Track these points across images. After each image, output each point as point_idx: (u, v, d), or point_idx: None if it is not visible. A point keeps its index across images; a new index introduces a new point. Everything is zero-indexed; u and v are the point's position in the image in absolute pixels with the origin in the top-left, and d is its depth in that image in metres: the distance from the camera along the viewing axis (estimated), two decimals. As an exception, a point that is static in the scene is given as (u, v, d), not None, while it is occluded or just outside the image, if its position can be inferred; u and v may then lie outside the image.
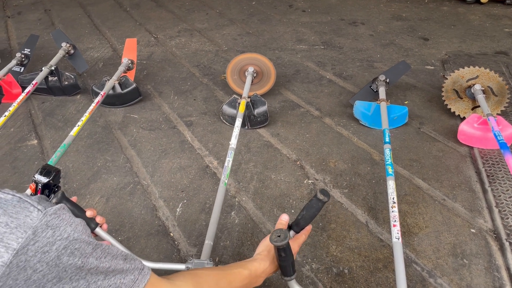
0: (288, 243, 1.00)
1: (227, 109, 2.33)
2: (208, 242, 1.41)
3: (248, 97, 2.26)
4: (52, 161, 1.77)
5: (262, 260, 1.04)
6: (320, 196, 1.11)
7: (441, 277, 1.49)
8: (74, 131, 2.03)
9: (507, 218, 1.69)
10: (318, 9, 4.13)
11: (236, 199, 1.86)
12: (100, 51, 3.37)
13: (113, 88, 2.51)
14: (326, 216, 1.76)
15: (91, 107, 2.19)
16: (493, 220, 1.70)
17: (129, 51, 2.82)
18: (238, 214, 1.79)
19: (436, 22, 3.71)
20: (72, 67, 2.99)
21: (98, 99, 2.29)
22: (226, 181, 1.66)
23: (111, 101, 2.57)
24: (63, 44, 2.79)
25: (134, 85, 2.55)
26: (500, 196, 1.80)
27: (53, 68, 2.61)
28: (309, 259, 1.57)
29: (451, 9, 4.00)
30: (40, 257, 0.58)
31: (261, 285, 1.12)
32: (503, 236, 1.62)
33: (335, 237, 1.66)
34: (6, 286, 0.56)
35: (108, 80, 2.48)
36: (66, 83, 2.68)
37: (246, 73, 2.51)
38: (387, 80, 2.42)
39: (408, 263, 1.54)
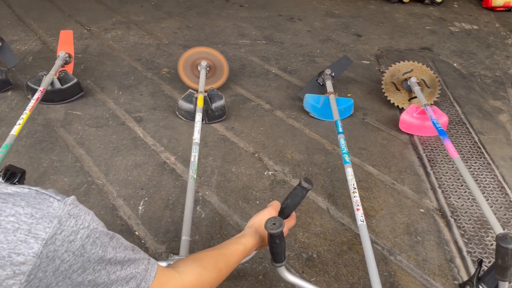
0: (282, 232, 1.04)
1: (183, 104, 2.30)
2: (185, 238, 1.41)
3: (205, 91, 2.25)
4: (-3, 163, 1.63)
5: (252, 236, 1.08)
6: (304, 184, 1.16)
7: (400, 254, 1.62)
8: (16, 130, 1.88)
9: (450, 198, 1.89)
10: (255, 4, 4.20)
11: (200, 194, 1.86)
12: (27, 44, 3.11)
13: (52, 83, 2.35)
14: (290, 205, 1.82)
15: (31, 104, 2.03)
16: (437, 199, 1.89)
17: (65, 44, 2.65)
18: (203, 209, 1.79)
19: (366, 20, 3.97)
20: (-3, 61, 2.73)
21: (38, 95, 2.13)
22: (195, 176, 1.66)
23: (50, 97, 2.40)
24: (-12, 36, 2.55)
25: (75, 80, 2.41)
26: (441, 178, 2.00)
27: (-22, 62, 2.37)
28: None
29: (377, 8, 4.29)
30: (67, 246, 0.57)
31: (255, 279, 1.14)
32: (448, 214, 1.81)
33: (301, 225, 1.73)
34: (36, 279, 0.54)
35: (45, 75, 2.31)
36: (-3, 77, 2.46)
37: (199, 67, 2.49)
38: (333, 74, 2.55)
39: (370, 243, 1.66)
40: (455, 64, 3.22)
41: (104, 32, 3.40)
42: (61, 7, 3.87)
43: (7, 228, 0.52)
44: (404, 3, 4.42)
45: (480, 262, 1.16)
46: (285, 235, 1.18)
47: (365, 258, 1.38)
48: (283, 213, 1.21)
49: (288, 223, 1.21)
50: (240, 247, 1.04)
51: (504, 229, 1.73)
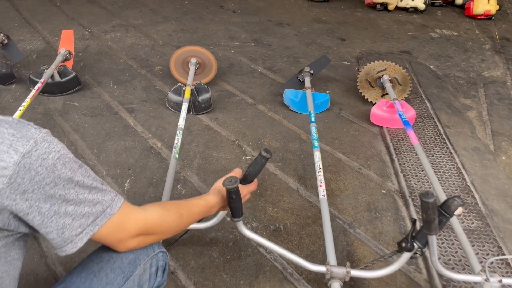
0: (237, 187, 1.18)
1: (172, 97, 2.46)
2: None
3: (193, 85, 2.41)
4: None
5: (215, 195, 1.21)
6: (264, 154, 1.30)
7: (359, 228, 1.76)
8: (17, 115, 2.04)
9: (410, 181, 2.03)
10: (247, 11, 4.38)
11: (181, 174, 2.01)
12: (32, 43, 3.30)
13: (52, 76, 2.52)
14: (263, 185, 1.97)
15: (31, 93, 2.20)
16: (399, 182, 2.03)
17: (66, 42, 2.82)
18: (184, 187, 1.93)
19: (351, 26, 4.14)
20: (4, 58, 2.91)
21: (38, 85, 2.30)
22: (177, 156, 1.80)
23: (50, 89, 2.57)
24: (-4, 34, 2.73)
25: (73, 74, 2.58)
26: (404, 164, 2.14)
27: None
28: (250, 219, 1.76)
29: (363, 15, 4.46)
30: (40, 162, 0.71)
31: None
32: (407, 194, 1.94)
33: (271, 201, 1.88)
34: (15, 183, 0.68)
35: (46, 69, 2.49)
36: (4, 70, 2.63)
37: (189, 64, 2.65)
38: (311, 72, 2.70)
39: (332, 218, 1.79)
40: (431, 66, 3.37)
41: (104, 34, 3.58)
42: (66, 11, 4.06)
43: None
44: (389, 11, 4.59)
45: (414, 222, 1.29)
46: (246, 198, 1.32)
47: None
48: (246, 180, 1.35)
49: (249, 187, 1.34)
50: (202, 202, 1.18)
51: (454, 206, 1.87)
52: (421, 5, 4.50)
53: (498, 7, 4.51)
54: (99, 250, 1.00)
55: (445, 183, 2.01)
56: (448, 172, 2.10)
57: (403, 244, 1.30)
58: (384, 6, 4.56)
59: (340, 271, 1.34)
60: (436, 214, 1.15)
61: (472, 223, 1.80)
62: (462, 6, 4.78)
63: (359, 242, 1.69)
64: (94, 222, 0.80)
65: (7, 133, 0.69)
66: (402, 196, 1.94)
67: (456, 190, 1.98)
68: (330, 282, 1.34)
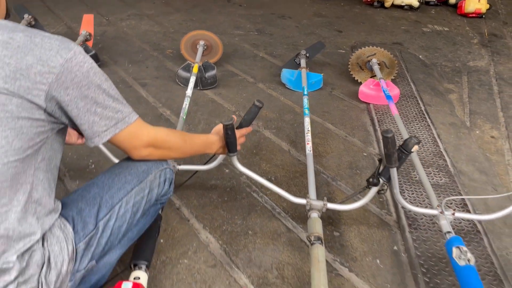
0: (233, 124, 1.41)
1: (182, 73, 2.70)
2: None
3: (200, 63, 2.65)
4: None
5: (214, 134, 1.45)
6: (257, 103, 1.54)
7: (340, 181, 1.99)
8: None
9: (389, 146, 2.25)
10: (252, 5, 4.63)
11: (187, 136, 2.25)
12: (56, 28, 3.57)
13: (74, 53, 2.77)
14: (259, 146, 2.20)
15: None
16: (379, 147, 2.25)
17: (87, 25, 3.08)
18: (189, 145, 2.17)
19: (349, 20, 4.37)
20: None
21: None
22: (185, 117, 2.04)
23: (72, 65, 2.82)
24: (25, 16, 2.99)
25: (93, 51, 2.83)
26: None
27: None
28: (246, 171, 1.99)
29: (361, 11, 4.69)
30: (78, 68, 0.92)
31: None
32: (385, 156, 2.16)
33: (265, 159, 2.11)
34: (60, 80, 0.89)
35: (69, 46, 2.74)
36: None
37: (198, 46, 2.90)
38: (307, 55, 2.94)
39: (318, 173, 2.02)
40: (420, 56, 3.59)
41: (120, 21, 3.85)
42: (85, 1, 4.34)
43: (45, 47, 0.89)
44: (386, 8, 4.81)
45: (380, 160, 1.51)
46: (241, 141, 1.56)
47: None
48: (241, 126, 1.58)
49: (245, 131, 1.57)
50: (203, 136, 1.42)
51: (423, 166, 2.09)
52: (415, 3, 4.72)
53: (488, 6, 4.71)
54: (120, 162, 1.24)
55: (420, 149, 2.23)
56: (424, 140, 2.32)
57: (371, 180, 1.52)
58: (381, 3, 4.79)
59: (318, 203, 1.57)
60: (395, 148, 1.37)
61: (441, 179, 2.02)
62: (455, 5, 4.99)
63: (339, 192, 1.92)
64: (116, 125, 1.02)
65: (55, 43, 0.91)
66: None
67: (430, 154, 2.20)
68: (310, 213, 1.56)
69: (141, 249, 1.34)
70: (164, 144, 1.19)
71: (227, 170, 2.00)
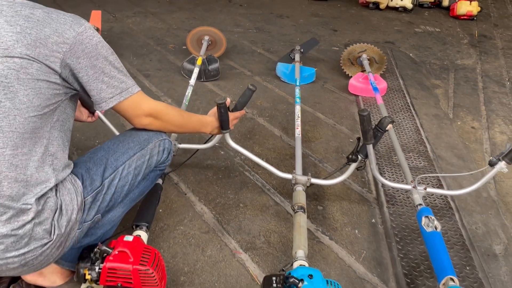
0: (225, 103, 1.55)
1: (187, 65, 2.86)
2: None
3: (204, 56, 2.80)
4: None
5: (209, 115, 1.58)
6: (251, 87, 1.68)
7: (327, 163, 2.12)
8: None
9: (374, 133, 2.38)
10: (253, 5, 4.78)
11: (186, 121, 2.39)
12: (64, 23, 3.72)
13: (82, 46, 2.93)
14: (252, 131, 2.34)
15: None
16: (365, 134, 2.38)
17: (95, 20, 3.23)
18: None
19: (344, 20, 4.51)
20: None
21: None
22: (187, 103, 2.19)
23: (80, 56, 2.97)
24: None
25: (100, 45, 2.98)
26: (372, 121, 2.50)
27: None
28: (239, 154, 2.13)
29: (357, 12, 4.84)
30: (88, 40, 1.06)
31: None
32: (370, 142, 2.30)
33: (258, 143, 2.25)
34: (73, 50, 1.04)
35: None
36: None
37: (202, 41, 3.05)
38: (301, 50, 3.08)
39: (306, 156, 2.16)
40: (410, 54, 3.72)
41: (126, 18, 4.00)
42: (93, 0, 4.50)
43: (61, 22, 1.03)
44: (381, 9, 4.95)
45: (358, 139, 1.65)
46: (234, 123, 1.69)
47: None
48: (236, 108, 1.72)
49: (239, 114, 1.71)
50: (199, 115, 1.56)
51: (404, 151, 2.23)
52: (409, 5, 4.86)
53: (479, 8, 4.84)
54: (124, 132, 1.39)
55: (403, 136, 2.37)
56: (408, 129, 2.45)
57: (350, 157, 1.66)
58: (376, 5, 4.93)
59: (303, 178, 1.71)
60: (370, 126, 1.51)
61: (420, 163, 2.15)
62: (448, 8, 5.12)
63: (325, 172, 2.06)
64: (120, 94, 1.16)
65: (68, 19, 1.06)
66: (366, 144, 2.30)
67: (412, 141, 2.34)
68: (295, 187, 1.70)
69: (143, 213, 1.48)
70: (163, 116, 1.33)
71: (222, 152, 2.14)
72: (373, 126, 1.53)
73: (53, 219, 1.06)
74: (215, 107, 1.62)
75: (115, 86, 1.14)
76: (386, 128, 1.55)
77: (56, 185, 1.09)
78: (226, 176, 1.97)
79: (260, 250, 1.58)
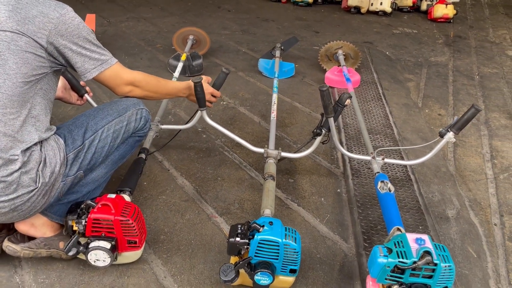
0: (201, 82, 1.70)
1: (172, 62, 3.02)
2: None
3: (188, 53, 2.98)
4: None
5: (185, 84, 1.71)
6: (224, 70, 1.85)
7: (300, 144, 2.28)
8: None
9: (345, 119, 2.55)
10: (240, 11, 4.98)
11: (173, 110, 2.55)
12: (61, 27, 3.90)
13: (77, 45, 3.10)
14: (233, 118, 2.50)
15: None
16: (338, 122, 2.54)
17: (89, 23, 3.40)
18: (173, 118, 2.47)
19: (326, 23, 4.71)
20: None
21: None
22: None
23: (75, 55, 3.14)
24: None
25: (94, 44, 3.15)
26: (345, 110, 2.65)
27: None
28: (219, 137, 2.29)
29: (339, 16, 5.04)
30: (70, 21, 1.20)
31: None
32: (341, 127, 2.46)
33: (238, 128, 2.41)
34: (57, 29, 1.18)
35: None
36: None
37: (187, 40, 3.22)
38: (282, 47, 3.26)
39: (282, 138, 2.32)
40: (387, 52, 3.91)
41: (119, 23, 4.18)
42: (89, 6, 4.69)
43: (46, 5, 1.17)
44: (362, 14, 5.16)
45: (322, 115, 1.81)
46: (213, 100, 1.85)
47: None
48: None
49: (214, 92, 1.86)
50: (175, 82, 1.69)
51: (372, 133, 2.39)
52: (388, 9, 5.07)
53: (455, 11, 5.06)
54: (105, 103, 1.54)
55: (373, 121, 2.53)
56: (377, 115, 2.62)
57: (315, 131, 1.82)
58: (357, 9, 5.13)
59: (274, 152, 1.86)
60: (330, 100, 1.67)
61: (386, 144, 2.31)
62: (426, 12, 5.33)
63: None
64: (101, 65, 1.32)
65: (53, 3, 1.21)
66: (338, 130, 2.46)
67: (380, 126, 2.50)
68: (267, 160, 1.86)
69: (126, 180, 1.62)
70: (142, 83, 1.48)
71: (204, 136, 2.30)
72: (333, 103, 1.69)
73: (38, 169, 1.21)
74: (190, 81, 1.71)
75: (96, 59, 1.30)
76: (345, 103, 1.71)
77: (41, 142, 1.24)
78: (206, 155, 2.13)
79: (234, 215, 1.73)
